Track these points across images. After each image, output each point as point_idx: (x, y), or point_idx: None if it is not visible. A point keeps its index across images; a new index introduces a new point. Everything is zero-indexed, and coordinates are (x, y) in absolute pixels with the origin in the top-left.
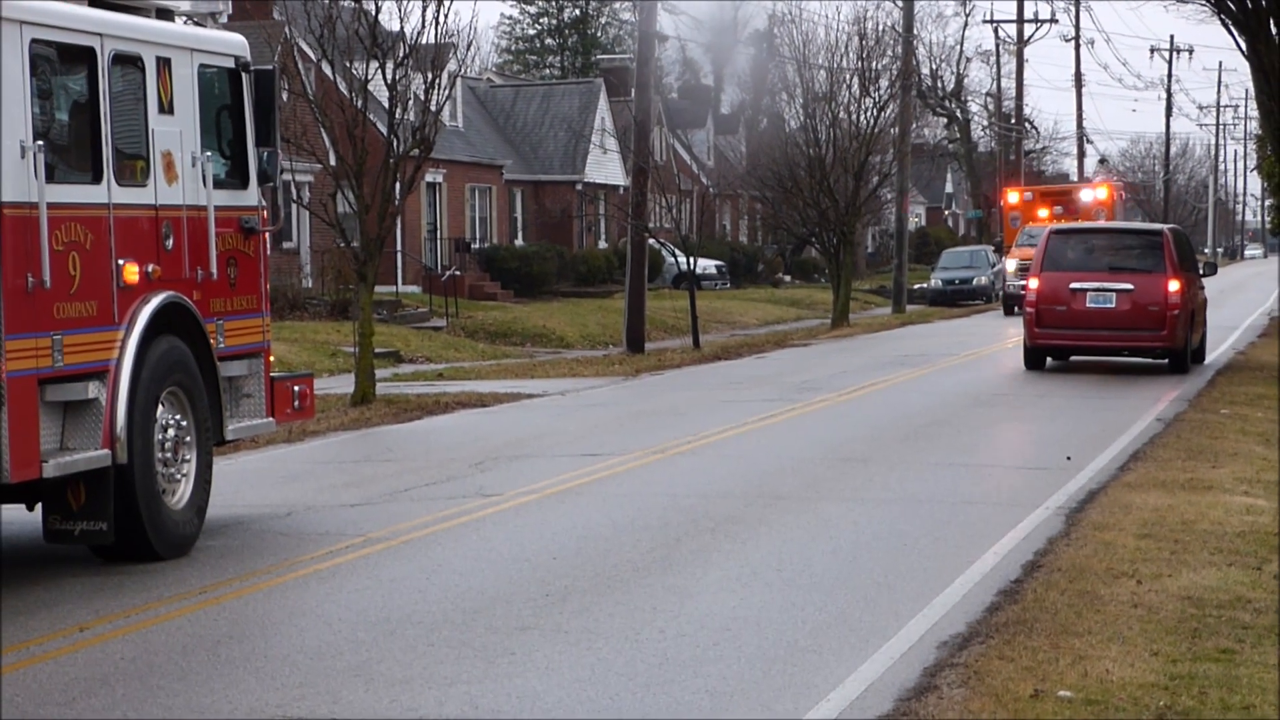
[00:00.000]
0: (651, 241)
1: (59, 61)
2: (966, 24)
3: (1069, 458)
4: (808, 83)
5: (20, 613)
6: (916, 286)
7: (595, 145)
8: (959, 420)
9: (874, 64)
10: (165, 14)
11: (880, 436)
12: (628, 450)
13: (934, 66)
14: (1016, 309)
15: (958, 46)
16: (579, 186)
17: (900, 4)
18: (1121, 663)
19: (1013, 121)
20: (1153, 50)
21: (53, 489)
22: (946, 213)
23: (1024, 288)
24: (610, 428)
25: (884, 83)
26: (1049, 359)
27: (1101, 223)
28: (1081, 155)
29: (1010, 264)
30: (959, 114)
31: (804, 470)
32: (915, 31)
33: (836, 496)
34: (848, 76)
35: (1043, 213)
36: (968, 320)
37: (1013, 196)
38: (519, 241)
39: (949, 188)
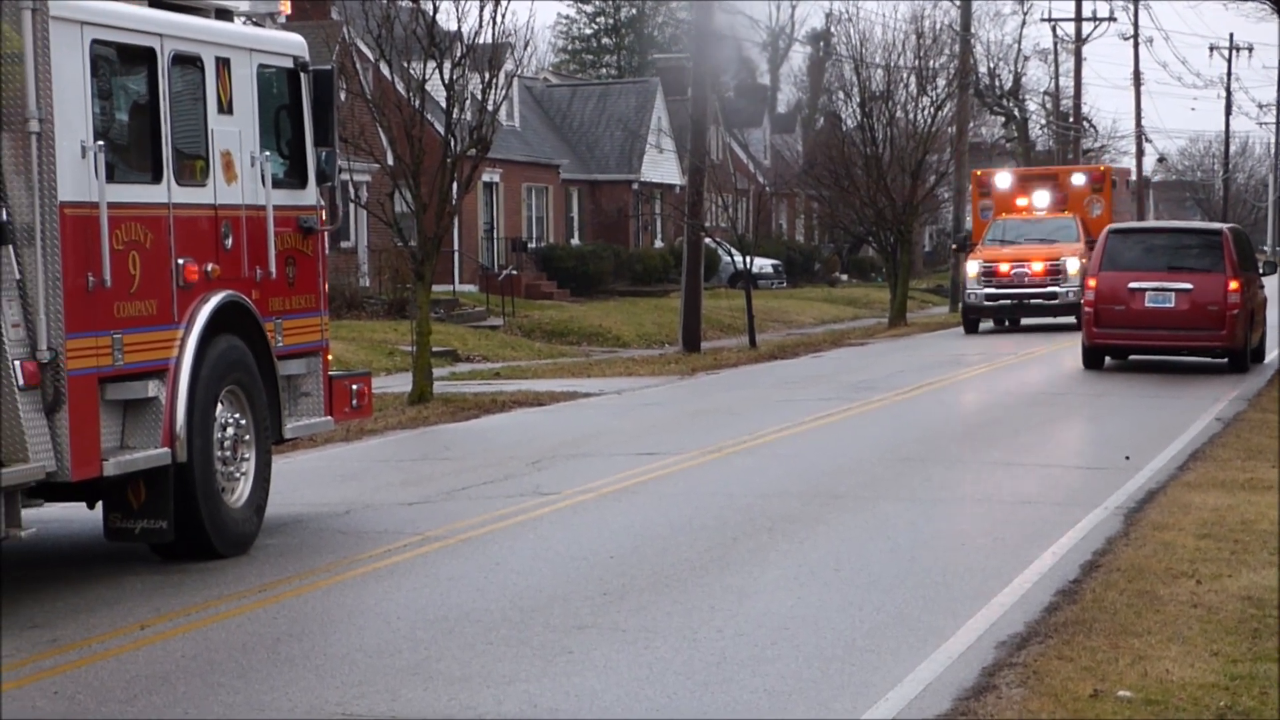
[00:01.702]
0: (707, 241)
1: (119, 62)
2: (1024, 22)
3: (1128, 457)
4: (865, 81)
5: (81, 610)
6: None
7: (651, 144)
8: (1016, 419)
9: (931, 62)
10: (224, 14)
11: (937, 436)
12: (684, 449)
13: (991, 65)
14: (981, 325)
15: (1015, 45)
16: (635, 186)
17: (958, 2)
18: (1181, 663)
19: (1071, 120)
20: (1212, 48)
21: (113, 487)
22: None
23: (988, 298)
24: (667, 427)
25: (941, 81)
26: (1107, 358)
27: (1160, 222)
28: (1140, 154)
29: (971, 266)
30: (1016, 113)
31: (861, 469)
32: (973, 30)
33: (894, 496)
34: (905, 75)
35: (1023, 201)
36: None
37: (984, 182)
38: (575, 241)
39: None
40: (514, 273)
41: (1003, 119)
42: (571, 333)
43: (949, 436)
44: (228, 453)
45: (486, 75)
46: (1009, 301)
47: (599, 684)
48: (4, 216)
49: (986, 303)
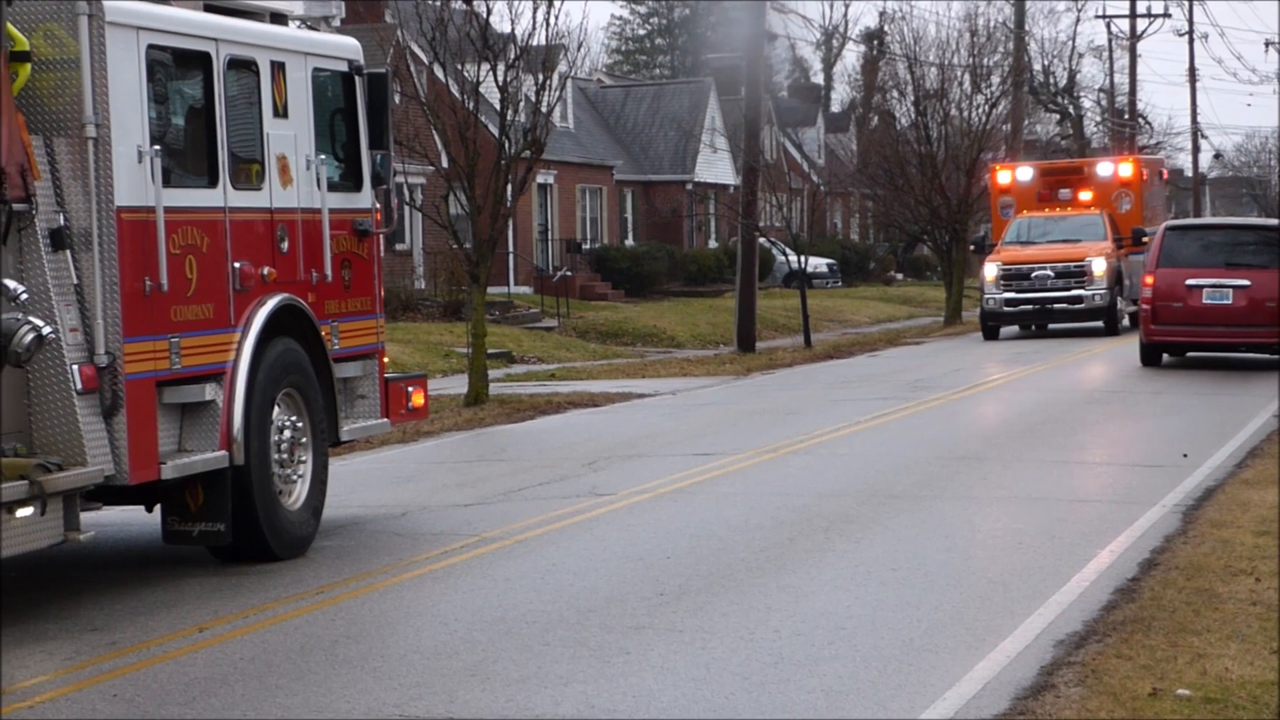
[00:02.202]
0: (762, 240)
1: (175, 66)
2: (1079, 19)
3: (1185, 455)
4: (919, 80)
5: (140, 613)
6: None
7: (705, 144)
8: (1073, 417)
9: (985, 60)
10: (279, 18)
11: (994, 434)
12: (740, 450)
13: (1046, 62)
14: (1002, 331)
15: (1070, 42)
16: (689, 186)
17: (1011, 0)
18: (1240, 661)
19: (1126, 117)
20: (1267, 44)
21: (171, 490)
22: None
23: (1008, 303)
24: (722, 427)
25: (996, 79)
26: (1165, 355)
27: (1218, 219)
28: (1196, 150)
29: (990, 269)
30: (1071, 110)
31: (917, 469)
32: (1027, 27)
33: (950, 495)
34: (959, 73)
35: (1045, 193)
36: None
37: (1004, 176)
38: (629, 242)
39: None
40: (568, 274)
41: (1057, 116)
42: (626, 333)
43: (1005, 435)
44: (285, 455)
45: (540, 77)
46: (1030, 307)
47: (656, 685)
48: (61, 222)
49: (1006, 308)
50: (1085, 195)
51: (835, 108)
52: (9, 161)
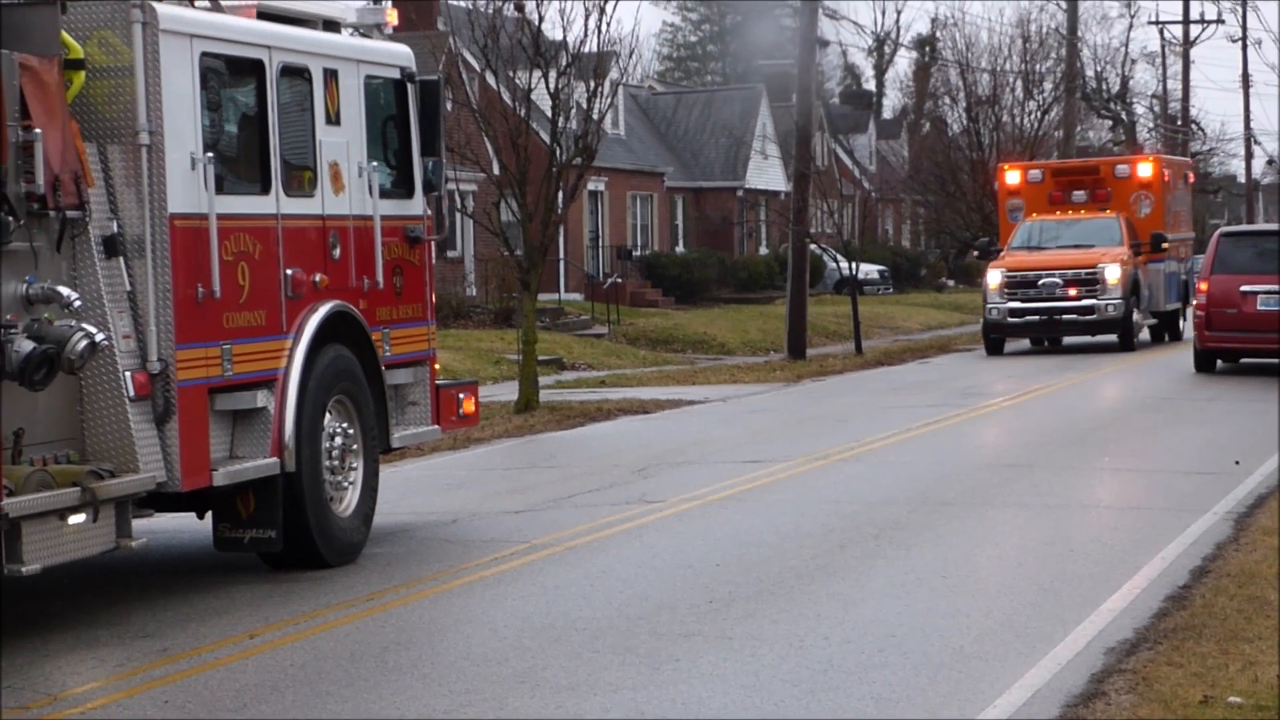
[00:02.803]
0: (813, 247)
1: (228, 74)
2: (1131, 25)
3: (1237, 462)
4: (971, 86)
5: (191, 620)
6: None
7: (756, 151)
8: (1125, 425)
9: (1038, 66)
10: (332, 26)
11: (1045, 442)
12: (790, 457)
13: (1099, 68)
14: (1006, 345)
15: (1123, 48)
16: (740, 193)
17: (1064, 6)
18: None
19: (1179, 123)
20: None
21: (223, 497)
22: None
23: (1012, 313)
24: (772, 434)
25: (1048, 85)
26: (1219, 362)
27: (1273, 225)
28: (1249, 156)
29: (993, 276)
30: (1124, 116)
31: (968, 476)
32: (1079, 33)
33: (1001, 502)
34: (1011, 79)
35: (1057, 195)
36: None
37: (1012, 177)
38: (680, 248)
39: None
40: (619, 281)
41: (1110, 122)
42: (676, 340)
43: (1057, 442)
44: (336, 462)
45: (591, 84)
46: (1037, 318)
47: (706, 692)
48: (115, 229)
49: (1011, 319)
50: (1101, 197)
51: (887, 114)
52: (63, 169)
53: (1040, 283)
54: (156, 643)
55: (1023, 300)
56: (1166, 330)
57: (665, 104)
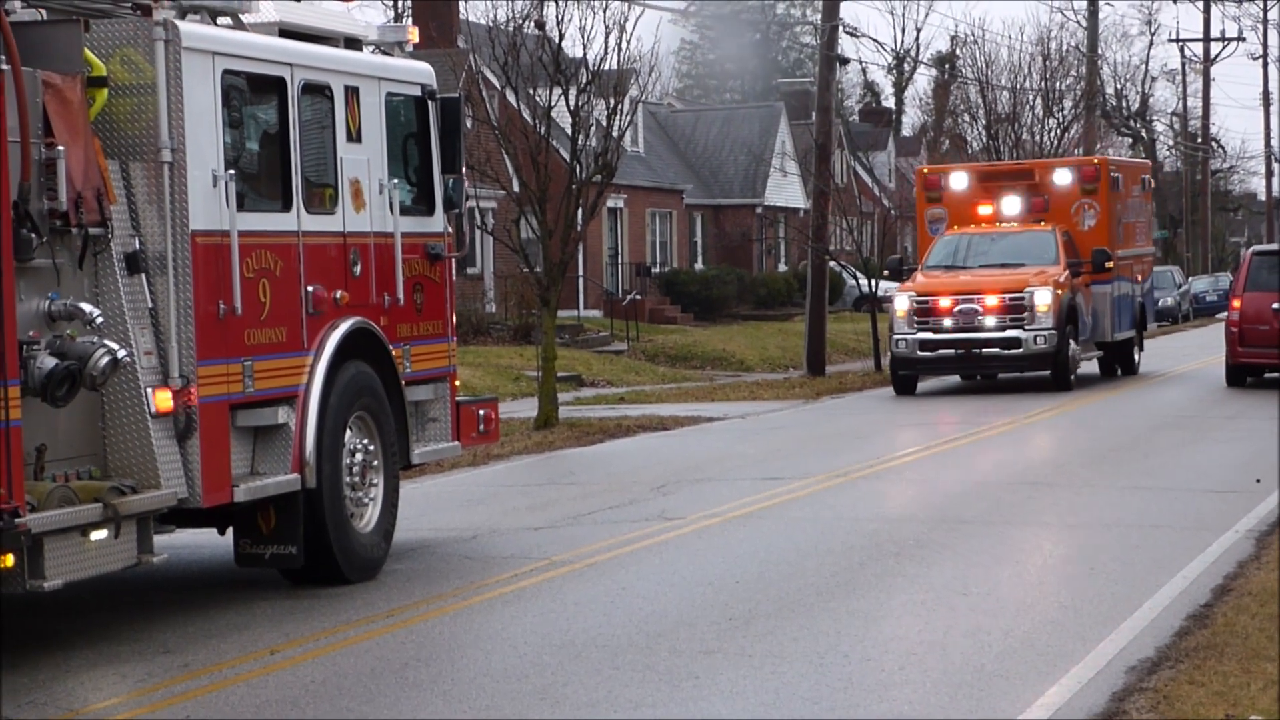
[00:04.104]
0: (832, 264)
1: (249, 91)
2: (1152, 43)
3: (1259, 480)
4: (990, 103)
5: (212, 636)
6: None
7: (775, 168)
8: (1146, 443)
9: (1058, 84)
10: (353, 43)
11: (1066, 460)
12: (810, 474)
13: (1119, 86)
14: (918, 381)
15: (1143, 66)
16: (759, 210)
17: (1084, 24)
18: None
19: (1199, 141)
20: None
21: (244, 513)
22: None
23: (923, 345)
24: (791, 451)
25: (1068, 103)
26: (1248, 378)
27: None
28: (1270, 174)
29: (900, 301)
30: (1144, 134)
31: (988, 494)
32: (1099, 51)
33: (1021, 520)
34: (1031, 97)
35: (985, 209)
36: (1155, 341)
37: (932, 182)
38: (699, 265)
39: None
40: (638, 297)
41: (1130, 140)
42: (695, 357)
43: (1078, 460)
44: (356, 478)
45: (611, 101)
46: (952, 351)
47: (725, 709)
48: (137, 246)
49: (921, 353)
50: (1038, 207)
51: (906, 131)
52: (86, 186)
53: (957, 310)
54: (178, 658)
55: (934, 330)
56: (1118, 363)
57: (684, 121)
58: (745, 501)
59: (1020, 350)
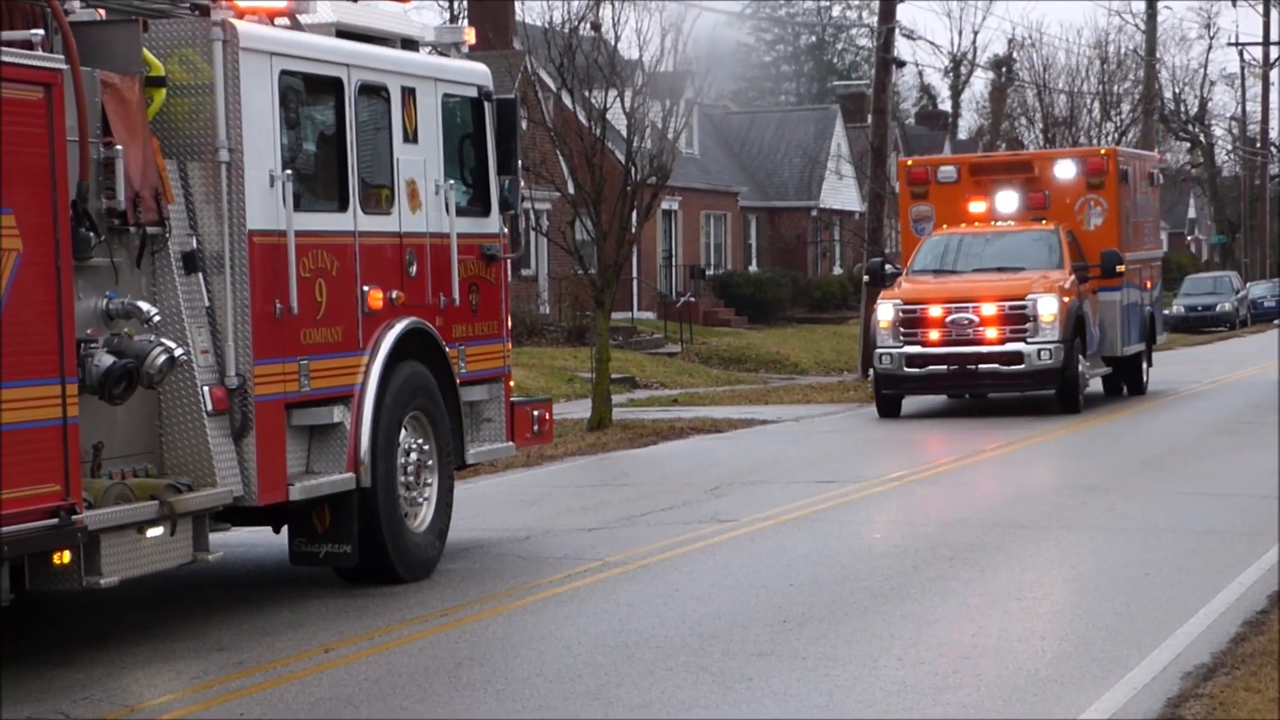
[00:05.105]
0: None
1: (306, 92)
2: (1210, 46)
3: None
4: (1048, 107)
5: (267, 633)
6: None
7: (831, 171)
8: (1201, 448)
9: (1115, 88)
10: (410, 44)
11: (1120, 464)
12: (863, 477)
13: (1177, 90)
14: (900, 403)
15: (1201, 69)
16: (814, 212)
17: (1143, 27)
18: None
19: (1258, 145)
20: None
21: (299, 512)
22: (1189, 238)
23: (910, 361)
24: (845, 454)
25: (1126, 107)
26: None
27: None
28: None
29: (884, 310)
30: (1202, 138)
31: (1043, 498)
32: (1157, 54)
33: (1076, 525)
34: (1089, 100)
35: (978, 205)
36: (1211, 347)
37: (917, 176)
38: (753, 268)
39: (1191, 213)
40: (692, 300)
41: (1188, 144)
42: (749, 359)
43: (1133, 465)
44: (411, 478)
45: (667, 104)
46: (943, 367)
47: (779, 711)
48: (194, 245)
49: (909, 369)
50: (1037, 203)
51: (963, 135)
52: (144, 185)
53: (949, 320)
54: (232, 655)
55: (923, 344)
56: (1125, 381)
57: (739, 124)
58: (799, 504)
59: (1022, 366)
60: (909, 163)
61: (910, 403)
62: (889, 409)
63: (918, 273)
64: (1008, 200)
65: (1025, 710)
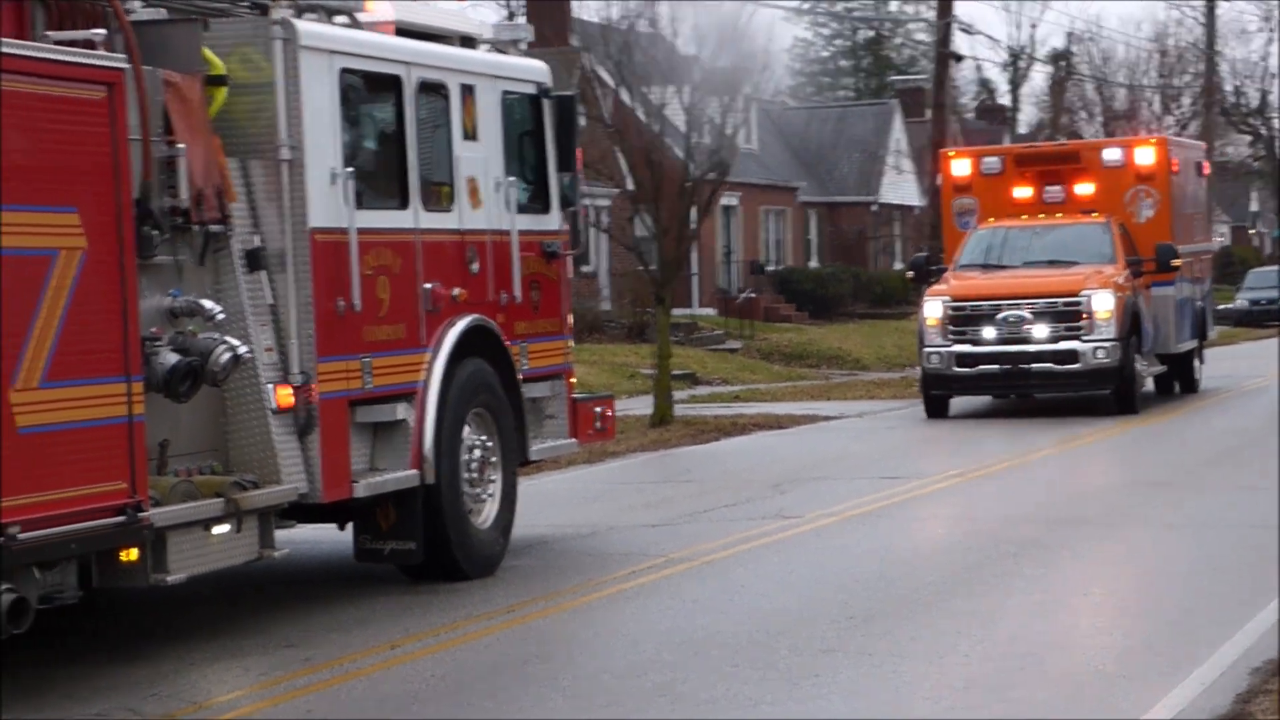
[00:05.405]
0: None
1: (367, 90)
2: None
3: None
4: (1107, 101)
5: (333, 630)
6: (1221, 307)
7: (890, 166)
8: (1268, 442)
9: (1175, 81)
10: (469, 42)
11: (1185, 460)
12: (927, 473)
13: (1237, 83)
14: (948, 403)
15: (1262, 62)
16: (874, 207)
17: (1203, 20)
18: None
19: None
20: None
21: (363, 509)
22: (1251, 232)
23: (960, 360)
24: (909, 450)
25: (1186, 100)
26: None
27: None
28: None
29: (931, 307)
30: (1264, 131)
31: (1108, 494)
32: (1218, 48)
33: (1142, 521)
34: (1149, 94)
35: (1023, 191)
36: (1274, 342)
37: (960, 167)
38: (813, 263)
39: (1254, 206)
40: (752, 295)
41: (1249, 138)
42: (810, 355)
43: (1199, 460)
44: (475, 474)
45: (725, 100)
46: (995, 367)
47: (845, 707)
48: (257, 243)
49: (958, 369)
50: (1085, 193)
51: (1022, 129)
52: (206, 184)
53: (999, 317)
54: (299, 652)
55: (974, 342)
56: (1177, 379)
57: (798, 119)
58: (863, 500)
59: (1078, 365)
60: (951, 153)
61: (956, 403)
62: (937, 410)
63: (965, 268)
64: (1055, 192)
65: (1093, 706)
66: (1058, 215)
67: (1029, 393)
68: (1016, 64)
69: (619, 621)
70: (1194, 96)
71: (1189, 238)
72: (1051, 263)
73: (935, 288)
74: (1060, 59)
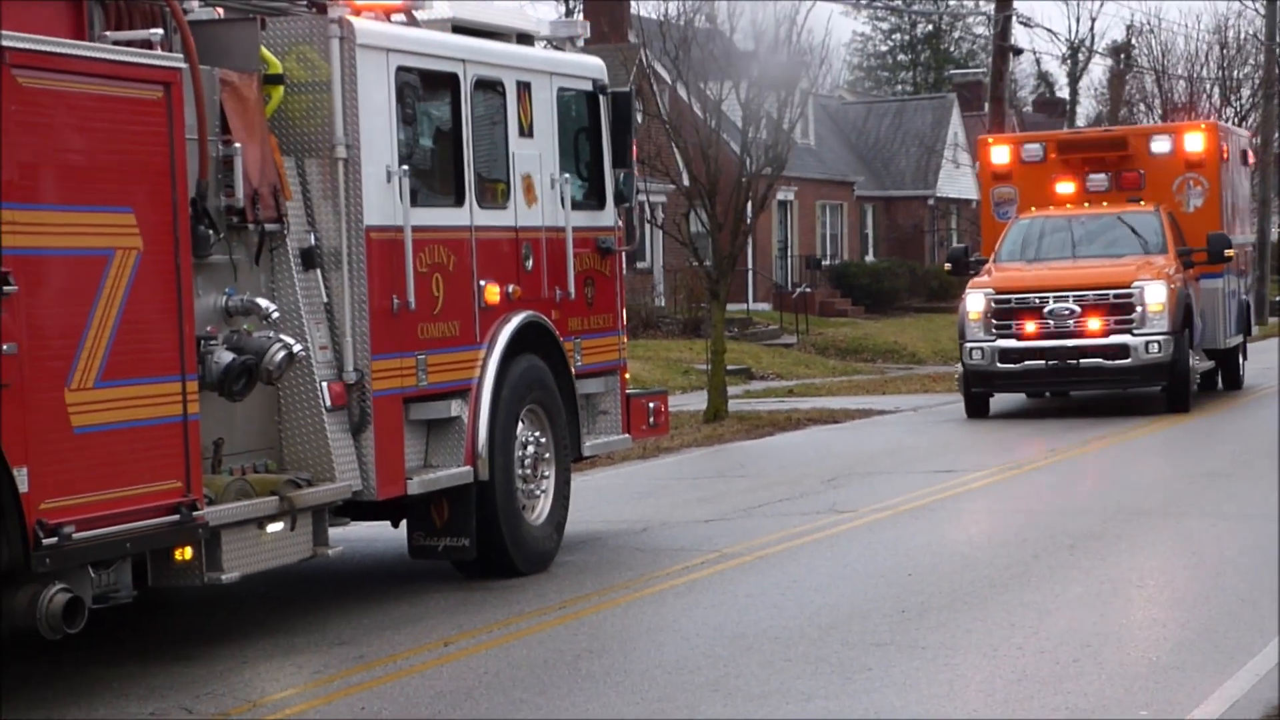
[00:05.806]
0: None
1: (422, 88)
2: None
3: None
4: (1167, 93)
5: (386, 627)
6: (1278, 299)
7: (948, 160)
8: None
9: (1235, 73)
10: (525, 39)
11: (1242, 451)
12: (982, 466)
13: None
14: (988, 402)
15: None
16: (930, 201)
17: (1262, 11)
18: None
19: None
20: None
21: (417, 506)
22: None
23: (1004, 356)
24: (964, 444)
25: (1246, 92)
26: None
27: None
28: None
29: (973, 300)
30: None
31: (1164, 485)
32: (1278, 39)
33: (1198, 512)
34: (1208, 86)
35: (1066, 186)
36: None
37: (1000, 154)
38: (869, 257)
39: None
40: (808, 290)
41: None
42: (866, 350)
43: (1256, 451)
44: (528, 471)
45: (782, 94)
46: (1042, 363)
47: (898, 701)
48: (312, 241)
49: (1002, 364)
50: (1130, 183)
51: (1081, 121)
52: (262, 182)
53: (1046, 310)
54: (353, 649)
55: (1018, 336)
56: (1223, 374)
57: (855, 113)
58: (917, 494)
59: (1129, 360)
60: (990, 140)
61: (995, 402)
62: (978, 408)
63: (1006, 261)
64: (1099, 180)
65: (1147, 699)
66: (1103, 204)
67: (1077, 389)
68: (1075, 57)
69: (671, 617)
70: (1254, 88)
71: (1236, 228)
72: (1099, 255)
73: (977, 280)
74: (1119, 52)
